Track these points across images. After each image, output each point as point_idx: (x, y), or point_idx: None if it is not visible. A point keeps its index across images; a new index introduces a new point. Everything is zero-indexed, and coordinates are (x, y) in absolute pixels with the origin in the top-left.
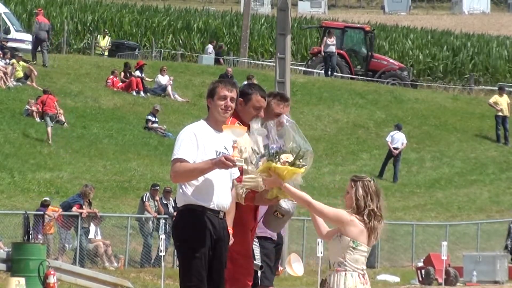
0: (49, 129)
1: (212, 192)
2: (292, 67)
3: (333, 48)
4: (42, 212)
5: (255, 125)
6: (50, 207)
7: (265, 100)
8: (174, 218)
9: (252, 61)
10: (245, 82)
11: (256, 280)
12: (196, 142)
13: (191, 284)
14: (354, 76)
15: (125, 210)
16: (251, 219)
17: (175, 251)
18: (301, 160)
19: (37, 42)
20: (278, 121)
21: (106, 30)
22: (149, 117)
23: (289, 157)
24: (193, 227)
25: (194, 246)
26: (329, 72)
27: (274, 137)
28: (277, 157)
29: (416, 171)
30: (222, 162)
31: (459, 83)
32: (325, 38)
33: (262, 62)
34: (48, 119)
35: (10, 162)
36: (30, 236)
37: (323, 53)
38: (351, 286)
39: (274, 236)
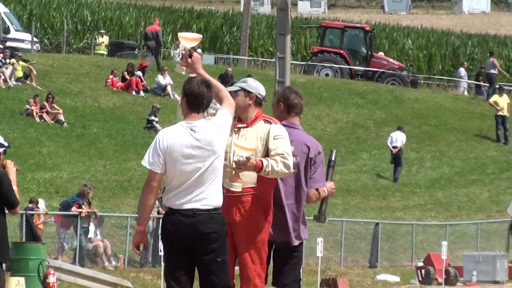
0: None
1: None
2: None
3: (495, 70)
4: (40, 212)
5: None
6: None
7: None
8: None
9: (252, 59)
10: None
11: None
12: None
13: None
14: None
15: (125, 210)
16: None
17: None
18: None
19: (149, 50)
20: None
21: (103, 30)
22: (152, 118)
23: None
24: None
25: None
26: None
27: None
28: None
29: (416, 171)
30: None
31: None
32: (492, 58)
33: (262, 62)
34: None
35: None
36: (33, 236)
37: (495, 74)
38: None
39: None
